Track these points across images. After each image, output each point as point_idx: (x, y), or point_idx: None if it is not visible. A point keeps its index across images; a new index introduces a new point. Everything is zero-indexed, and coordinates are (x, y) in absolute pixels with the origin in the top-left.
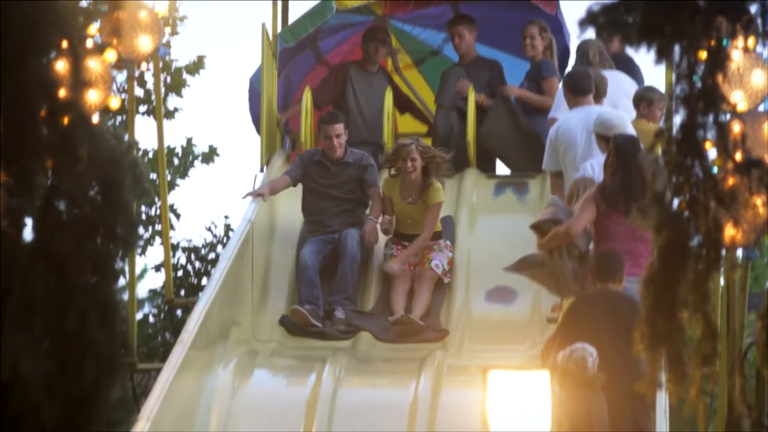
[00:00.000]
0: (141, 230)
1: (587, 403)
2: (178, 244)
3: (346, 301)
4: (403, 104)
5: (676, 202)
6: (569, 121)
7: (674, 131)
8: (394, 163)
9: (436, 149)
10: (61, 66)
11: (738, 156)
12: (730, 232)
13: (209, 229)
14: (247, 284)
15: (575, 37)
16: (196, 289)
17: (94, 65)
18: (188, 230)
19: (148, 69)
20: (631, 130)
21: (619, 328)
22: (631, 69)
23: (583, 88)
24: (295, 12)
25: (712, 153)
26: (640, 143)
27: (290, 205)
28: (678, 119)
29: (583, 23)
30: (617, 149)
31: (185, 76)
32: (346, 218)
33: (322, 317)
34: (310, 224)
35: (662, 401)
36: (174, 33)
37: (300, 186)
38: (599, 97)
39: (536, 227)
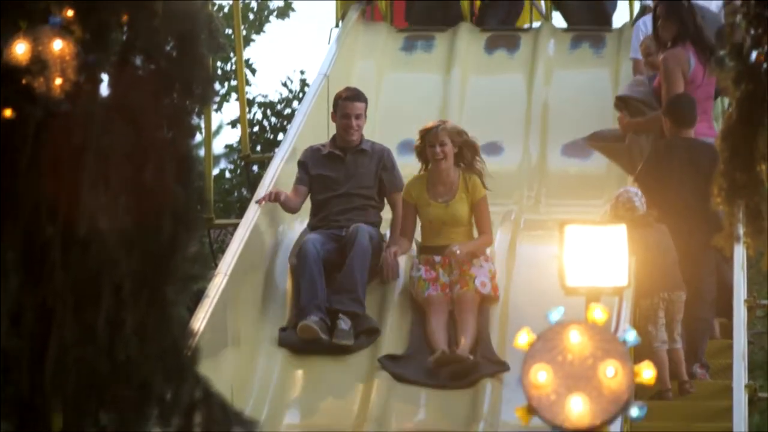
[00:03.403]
0: (217, 86)
1: (645, 240)
2: (253, 99)
3: (351, 302)
4: None
5: (754, 55)
6: None
7: None
8: (420, 151)
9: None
10: None
11: None
12: None
13: (285, 84)
14: (323, 138)
15: None
16: (271, 145)
17: None
18: (264, 86)
19: None
20: None
21: (699, 176)
22: None
23: None
24: None
25: None
26: None
27: None
28: None
29: None
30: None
31: None
32: (355, 216)
33: (328, 325)
34: (313, 221)
35: (739, 255)
36: None
37: None
38: None
39: (623, 101)
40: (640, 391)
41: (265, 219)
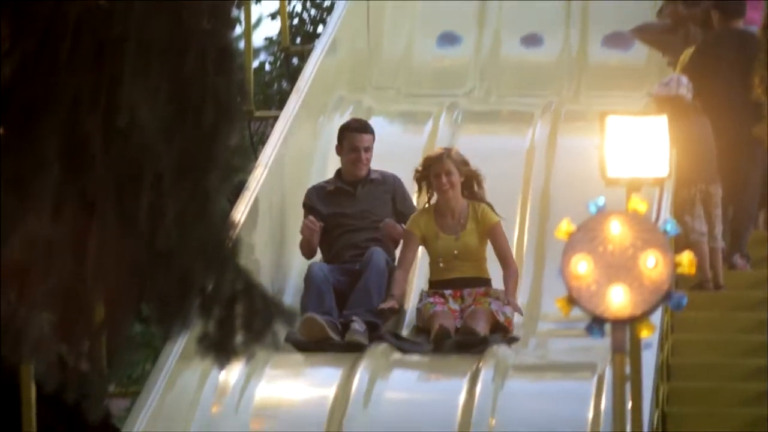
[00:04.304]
0: None
1: (687, 131)
2: None
3: (368, 314)
4: None
5: None
6: None
7: None
8: (424, 180)
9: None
10: None
11: None
12: None
13: None
14: (362, 31)
15: None
16: (311, 37)
17: None
18: None
19: None
20: None
21: (746, 65)
22: None
23: None
24: None
25: None
26: None
27: None
28: None
29: None
30: None
31: None
32: (372, 246)
33: (339, 329)
34: (327, 257)
35: None
36: None
37: None
38: None
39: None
40: (680, 282)
41: (305, 111)
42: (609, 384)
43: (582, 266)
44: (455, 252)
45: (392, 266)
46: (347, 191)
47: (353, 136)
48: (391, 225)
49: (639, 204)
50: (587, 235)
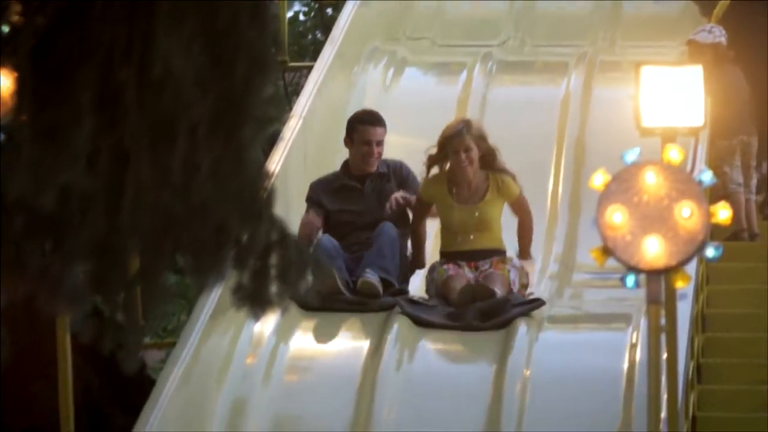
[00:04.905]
0: None
1: (722, 81)
2: None
3: (381, 270)
4: None
5: None
6: None
7: None
8: (441, 160)
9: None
10: None
11: None
12: None
13: None
14: None
15: None
16: None
17: None
18: None
19: None
20: None
21: None
22: None
23: None
24: None
25: None
26: None
27: None
28: None
29: None
30: None
31: None
32: None
33: (351, 286)
34: None
35: None
36: None
37: None
38: None
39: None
40: (716, 232)
41: (339, 61)
42: (644, 335)
43: (617, 217)
44: (472, 223)
45: (404, 243)
46: (354, 187)
47: (366, 130)
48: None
49: (674, 154)
50: (622, 185)
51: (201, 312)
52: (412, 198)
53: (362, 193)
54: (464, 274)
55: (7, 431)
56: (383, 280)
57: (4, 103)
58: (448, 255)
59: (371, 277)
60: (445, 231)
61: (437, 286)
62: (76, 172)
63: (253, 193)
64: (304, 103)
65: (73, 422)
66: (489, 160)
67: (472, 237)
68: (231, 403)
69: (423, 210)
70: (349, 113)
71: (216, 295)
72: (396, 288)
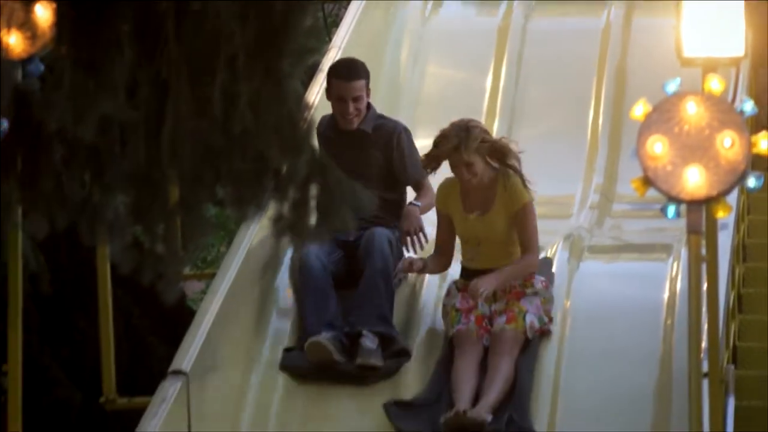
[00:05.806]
0: None
1: (762, 7)
2: None
3: (379, 321)
4: None
5: None
6: None
7: None
8: (435, 167)
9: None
10: None
11: None
12: None
13: None
14: None
15: None
16: None
17: None
18: None
19: None
20: None
21: None
22: None
23: None
24: None
25: None
26: None
27: None
28: None
29: None
30: None
31: None
32: (365, 217)
33: (347, 346)
34: None
35: None
36: None
37: None
38: None
39: None
40: (757, 162)
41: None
42: (684, 265)
43: (658, 147)
44: (481, 235)
45: (396, 247)
46: (334, 141)
47: (339, 85)
48: (411, 215)
49: (715, 84)
50: (663, 115)
51: (241, 243)
52: (420, 264)
53: (340, 148)
54: (473, 335)
55: (49, 361)
56: (382, 338)
57: (43, 35)
58: (464, 271)
59: (369, 346)
60: (461, 243)
61: (447, 324)
62: (115, 102)
63: (292, 124)
64: (343, 34)
65: (114, 351)
66: (499, 156)
67: (483, 250)
68: (272, 335)
69: (442, 222)
70: (388, 45)
71: (256, 226)
72: (397, 347)
